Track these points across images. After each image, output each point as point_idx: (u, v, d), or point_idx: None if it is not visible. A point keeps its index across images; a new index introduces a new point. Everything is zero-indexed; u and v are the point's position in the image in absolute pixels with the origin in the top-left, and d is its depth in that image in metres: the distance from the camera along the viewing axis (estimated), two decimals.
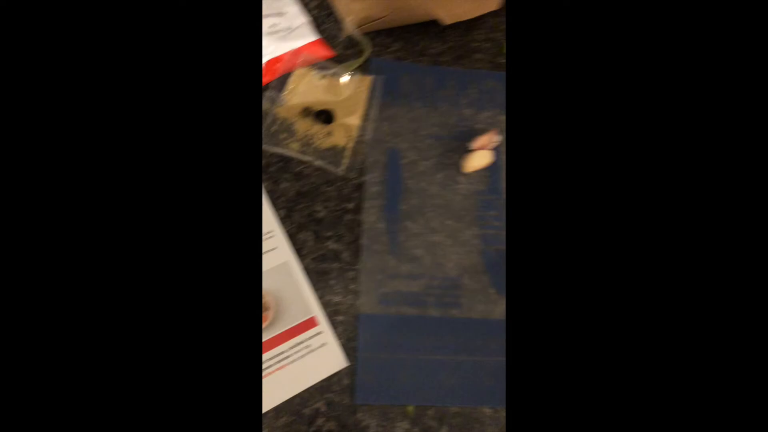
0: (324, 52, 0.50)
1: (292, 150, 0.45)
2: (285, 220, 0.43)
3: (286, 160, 0.45)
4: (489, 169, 0.47)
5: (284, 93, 0.47)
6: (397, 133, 0.48)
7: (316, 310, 0.39)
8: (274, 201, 0.43)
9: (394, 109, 0.50)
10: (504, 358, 0.39)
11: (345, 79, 0.49)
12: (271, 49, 0.49)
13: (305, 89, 0.48)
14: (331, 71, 0.48)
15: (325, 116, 0.48)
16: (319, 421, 0.36)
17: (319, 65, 0.49)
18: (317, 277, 0.41)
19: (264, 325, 0.38)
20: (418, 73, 0.52)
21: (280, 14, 0.52)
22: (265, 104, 0.46)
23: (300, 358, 0.37)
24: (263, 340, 0.37)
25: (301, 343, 0.38)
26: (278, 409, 0.36)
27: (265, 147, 0.45)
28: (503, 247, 0.43)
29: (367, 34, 0.53)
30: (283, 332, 0.38)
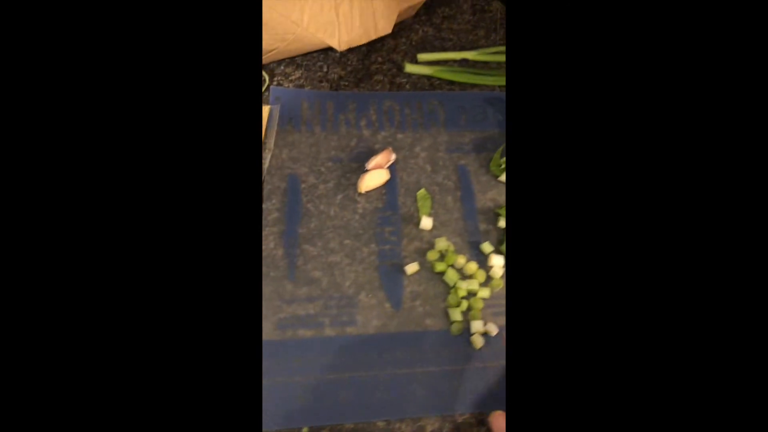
0: None
1: None
2: None
3: None
4: (386, 187, 0.49)
5: None
6: (297, 159, 0.50)
7: None
8: None
9: (295, 135, 0.51)
10: (398, 370, 0.40)
11: None
12: None
13: None
14: None
15: None
16: None
17: None
18: None
19: None
20: (318, 99, 0.53)
21: None
22: None
23: None
24: None
25: None
26: None
27: None
28: (399, 261, 0.45)
29: (264, 66, 0.54)
30: None
